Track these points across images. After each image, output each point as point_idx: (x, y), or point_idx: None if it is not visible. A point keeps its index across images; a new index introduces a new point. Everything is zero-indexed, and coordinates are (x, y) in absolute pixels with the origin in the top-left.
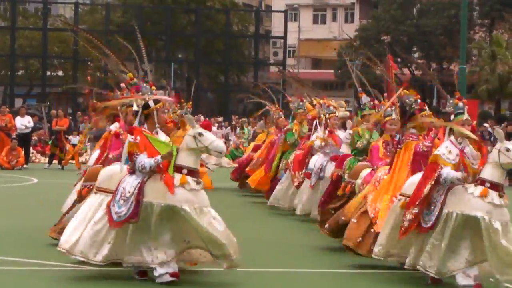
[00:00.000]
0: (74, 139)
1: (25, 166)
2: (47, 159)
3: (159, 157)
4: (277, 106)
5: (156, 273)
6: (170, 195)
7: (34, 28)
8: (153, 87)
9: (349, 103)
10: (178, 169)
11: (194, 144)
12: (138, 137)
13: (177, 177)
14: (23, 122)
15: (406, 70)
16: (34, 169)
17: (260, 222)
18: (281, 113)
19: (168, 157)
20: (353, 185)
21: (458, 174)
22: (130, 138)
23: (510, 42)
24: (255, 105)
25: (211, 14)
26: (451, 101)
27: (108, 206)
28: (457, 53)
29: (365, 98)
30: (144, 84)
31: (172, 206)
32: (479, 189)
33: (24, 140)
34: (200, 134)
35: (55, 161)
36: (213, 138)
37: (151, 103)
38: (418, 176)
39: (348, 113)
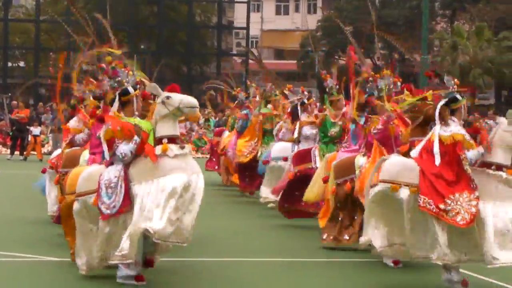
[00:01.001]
0: (36, 130)
1: None
2: (8, 150)
3: (136, 137)
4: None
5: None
6: (156, 169)
7: None
8: (130, 72)
9: (312, 93)
10: (158, 141)
11: (165, 109)
12: (109, 123)
13: (159, 147)
14: None
15: (368, 61)
16: None
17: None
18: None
19: (138, 131)
20: (352, 182)
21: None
22: (106, 126)
23: (471, 32)
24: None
25: (173, 5)
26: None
27: (96, 205)
28: (419, 44)
29: (330, 81)
30: (123, 70)
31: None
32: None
33: None
34: (168, 98)
35: (16, 152)
36: (181, 96)
37: (130, 89)
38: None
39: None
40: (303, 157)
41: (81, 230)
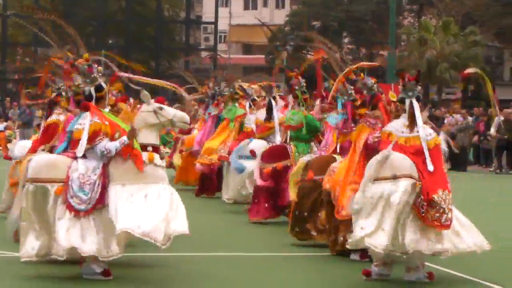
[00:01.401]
0: (1, 125)
1: None
2: None
3: (125, 137)
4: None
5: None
6: (141, 175)
7: None
8: (100, 68)
9: (280, 87)
10: (143, 147)
11: (156, 119)
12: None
13: (145, 154)
14: None
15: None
16: None
17: None
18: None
19: (133, 134)
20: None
21: None
22: (95, 118)
23: (438, 27)
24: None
25: None
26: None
27: (66, 200)
28: (387, 39)
29: (301, 80)
30: (95, 66)
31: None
32: None
33: None
34: (161, 108)
35: None
36: (174, 110)
37: (104, 85)
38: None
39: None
40: (279, 154)
41: (29, 215)
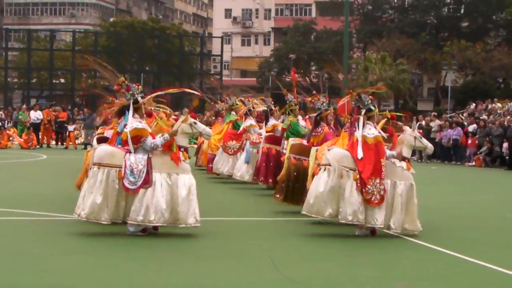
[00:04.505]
0: (71, 127)
1: (37, 146)
2: (53, 142)
3: (166, 135)
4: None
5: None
6: (176, 166)
7: (43, 49)
8: (140, 87)
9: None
10: (178, 148)
11: (190, 130)
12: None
13: (181, 153)
14: (36, 115)
15: (307, 79)
16: (43, 149)
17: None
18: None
19: (174, 135)
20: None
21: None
22: (138, 124)
23: (378, 59)
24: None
25: (169, 38)
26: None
27: (121, 179)
28: (342, 67)
29: (290, 96)
30: (133, 85)
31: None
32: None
33: (36, 128)
34: (195, 123)
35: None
36: (204, 126)
37: (139, 99)
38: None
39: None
40: (275, 140)
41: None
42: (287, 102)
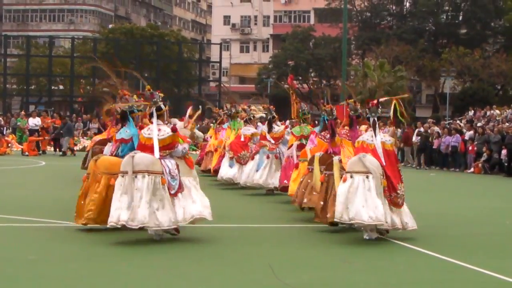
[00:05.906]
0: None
1: (39, 152)
2: (52, 148)
3: (186, 145)
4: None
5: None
6: (191, 170)
7: (42, 55)
8: (161, 94)
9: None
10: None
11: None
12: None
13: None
14: (34, 122)
15: (305, 85)
16: (41, 155)
17: None
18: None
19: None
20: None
21: None
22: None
23: (376, 66)
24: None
25: (168, 45)
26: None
27: (166, 184)
28: (340, 73)
29: (303, 105)
30: (157, 92)
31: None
32: None
33: (34, 134)
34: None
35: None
36: (200, 133)
37: (162, 106)
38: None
39: (264, 115)
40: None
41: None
42: (300, 110)
